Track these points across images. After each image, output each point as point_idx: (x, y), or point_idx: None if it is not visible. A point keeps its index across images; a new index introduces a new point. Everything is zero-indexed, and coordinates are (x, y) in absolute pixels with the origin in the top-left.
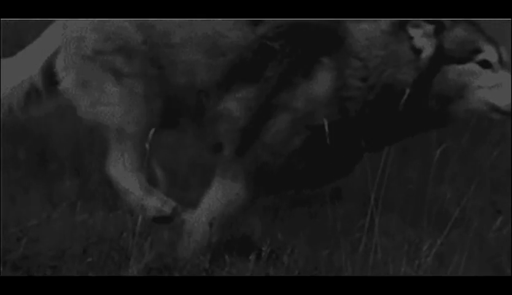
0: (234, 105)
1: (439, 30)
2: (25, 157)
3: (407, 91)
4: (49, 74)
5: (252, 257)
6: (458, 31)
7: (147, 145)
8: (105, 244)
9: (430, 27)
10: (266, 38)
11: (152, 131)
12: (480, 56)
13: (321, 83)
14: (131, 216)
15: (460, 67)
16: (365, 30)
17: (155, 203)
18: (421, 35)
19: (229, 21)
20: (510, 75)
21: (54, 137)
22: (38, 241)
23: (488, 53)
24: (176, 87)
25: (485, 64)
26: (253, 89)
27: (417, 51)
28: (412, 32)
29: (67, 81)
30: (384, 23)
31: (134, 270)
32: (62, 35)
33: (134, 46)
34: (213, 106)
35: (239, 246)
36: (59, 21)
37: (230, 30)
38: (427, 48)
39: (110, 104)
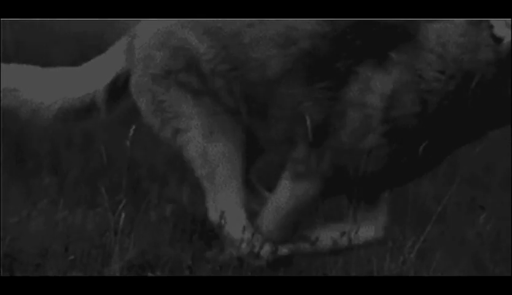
0: (308, 101)
1: None
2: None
3: (479, 74)
4: (112, 92)
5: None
6: None
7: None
8: (86, 241)
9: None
10: (337, 31)
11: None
12: None
13: (392, 78)
14: (112, 214)
15: None
16: (438, 27)
17: (267, 248)
18: (503, 25)
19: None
20: None
21: (31, 134)
22: (19, 239)
23: None
24: (250, 85)
25: None
26: (325, 84)
27: (498, 40)
28: (494, 21)
29: (142, 104)
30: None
31: (116, 267)
32: (130, 55)
33: (202, 58)
34: (285, 102)
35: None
36: (126, 37)
37: (303, 24)
38: (508, 37)
39: (191, 129)
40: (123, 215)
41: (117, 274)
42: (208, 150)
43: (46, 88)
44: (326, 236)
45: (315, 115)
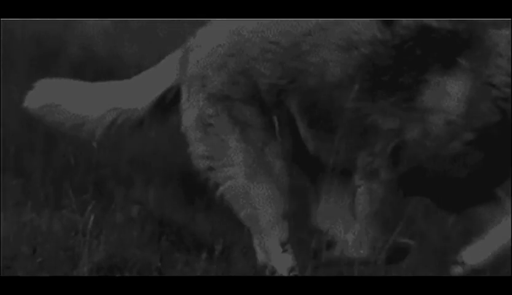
0: (376, 114)
1: None
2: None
3: None
4: (159, 107)
5: (204, 255)
6: None
7: (94, 144)
8: (53, 243)
9: None
10: (399, 36)
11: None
12: None
13: (464, 84)
14: (80, 215)
15: None
16: (507, 33)
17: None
18: None
19: (360, 20)
20: None
21: None
22: None
23: None
24: (310, 92)
25: None
26: (395, 98)
27: None
28: None
29: (187, 120)
30: None
31: (85, 270)
32: (183, 70)
33: (261, 80)
34: (350, 116)
35: (190, 244)
36: (180, 50)
37: (364, 28)
38: None
39: (233, 165)
40: (92, 217)
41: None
42: (250, 190)
43: (94, 102)
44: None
45: (387, 125)
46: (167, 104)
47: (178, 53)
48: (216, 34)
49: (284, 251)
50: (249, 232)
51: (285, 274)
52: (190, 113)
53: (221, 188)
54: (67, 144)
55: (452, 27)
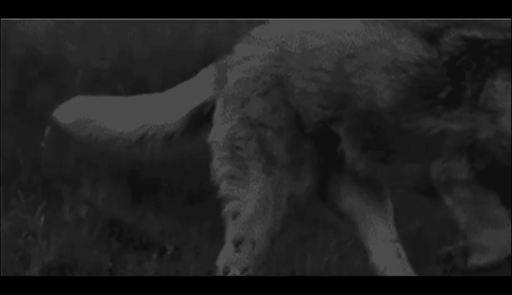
0: (439, 127)
1: None
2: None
3: None
4: (192, 122)
5: (155, 255)
6: None
7: (43, 144)
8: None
9: None
10: (447, 53)
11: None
12: None
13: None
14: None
15: None
16: None
17: None
18: None
19: (407, 39)
20: None
21: None
22: None
23: None
24: (359, 115)
25: None
26: (459, 111)
27: None
28: None
29: (216, 134)
30: None
31: (35, 270)
32: (220, 87)
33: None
34: (409, 133)
35: (141, 244)
36: (215, 66)
37: (409, 49)
38: None
39: (245, 196)
40: (42, 217)
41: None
42: (253, 226)
43: (126, 117)
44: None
45: (457, 128)
46: (200, 119)
47: (214, 68)
48: (257, 56)
49: (237, 251)
50: (200, 232)
51: (237, 274)
52: (220, 128)
53: (228, 206)
54: (15, 145)
55: (503, 36)
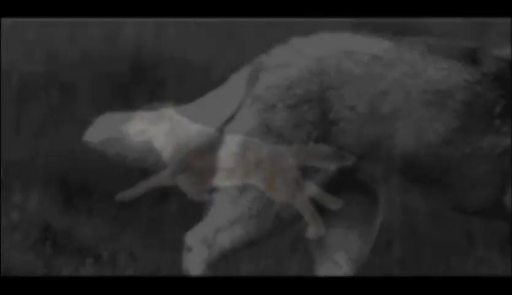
0: (504, 134)
1: None
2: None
3: None
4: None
5: (89, 260)
6: None
7: None
8: None
9: None
10: (492, 73)
11: None
12: None
13: None
14: None
15: None
16: None
17: None
18: None
19: (442, 65)
20: None
21: None
22: None
23: None
24: (406, 155)
25: None
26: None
27: None
28: None
29: (230, 139)
30: None
31: None
32: (251, 87)
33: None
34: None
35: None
36: (245, 69)
37: (449, 74)
38: None
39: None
40: None
41: None
42: (234, 230)
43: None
44: None
45: None
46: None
47: (247, 70)
48: (295, 66)
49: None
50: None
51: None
52: (237, 127)
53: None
54: None
55: None
